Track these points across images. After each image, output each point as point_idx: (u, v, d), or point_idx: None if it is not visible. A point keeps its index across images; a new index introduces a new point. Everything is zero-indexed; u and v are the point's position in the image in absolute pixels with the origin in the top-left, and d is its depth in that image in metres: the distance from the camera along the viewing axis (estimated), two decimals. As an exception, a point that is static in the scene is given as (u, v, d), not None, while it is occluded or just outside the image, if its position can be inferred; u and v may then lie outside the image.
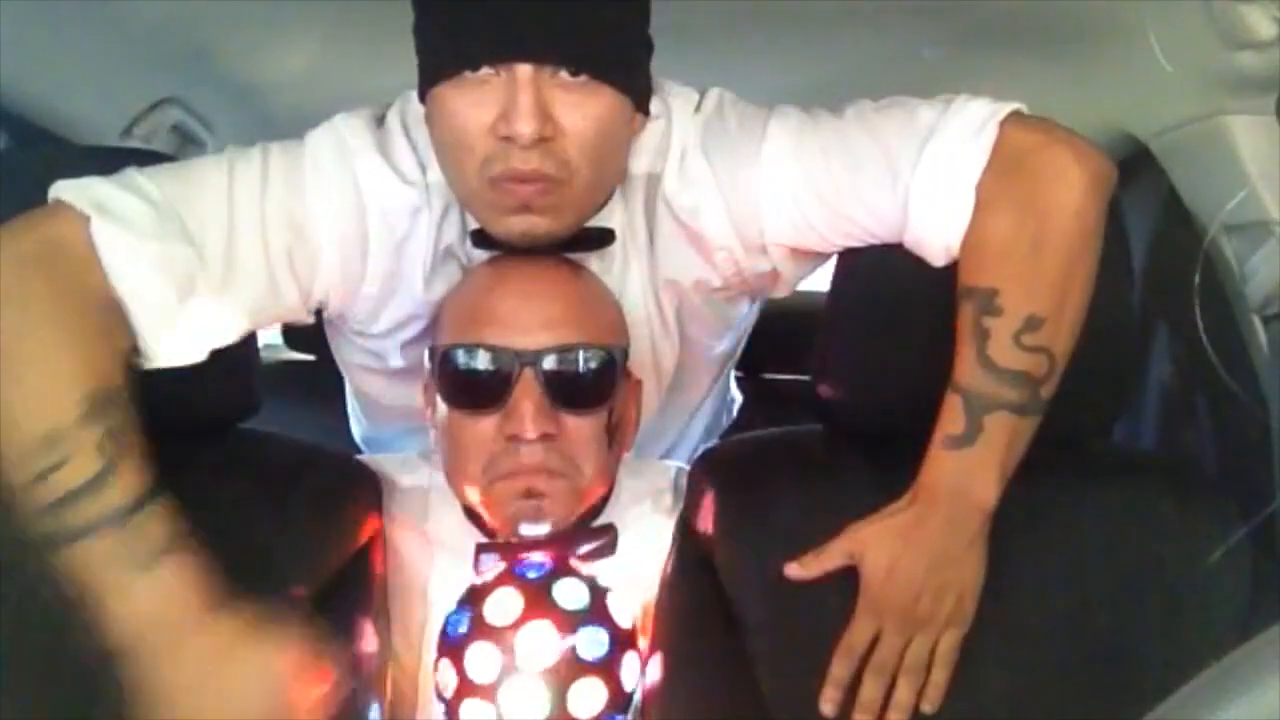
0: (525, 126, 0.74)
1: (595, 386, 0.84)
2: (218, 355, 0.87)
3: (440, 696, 0.82)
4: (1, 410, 0.70)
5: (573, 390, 0.82)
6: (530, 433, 0.80)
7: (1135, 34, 0.98)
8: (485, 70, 0.76)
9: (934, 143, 0.79)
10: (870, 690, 0.78)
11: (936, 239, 0.80)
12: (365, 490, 0.91)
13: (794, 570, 0.80)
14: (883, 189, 0.81)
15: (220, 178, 0.81)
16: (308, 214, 0.82)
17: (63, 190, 0.77)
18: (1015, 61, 1.19)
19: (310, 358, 1.89)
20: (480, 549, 0.89)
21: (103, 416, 0.71)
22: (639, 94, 0.82)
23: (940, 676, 0.78)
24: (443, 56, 0.78)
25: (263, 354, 0.91)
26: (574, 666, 0.79)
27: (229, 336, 0.81)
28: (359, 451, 1.26)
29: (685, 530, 0.90)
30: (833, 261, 0.90)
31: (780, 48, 1.24)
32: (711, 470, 0.90)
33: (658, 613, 0.88)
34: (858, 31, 1.20)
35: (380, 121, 0.88)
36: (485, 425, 0.83)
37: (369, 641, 0.86)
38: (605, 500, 0.93)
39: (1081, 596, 0.82)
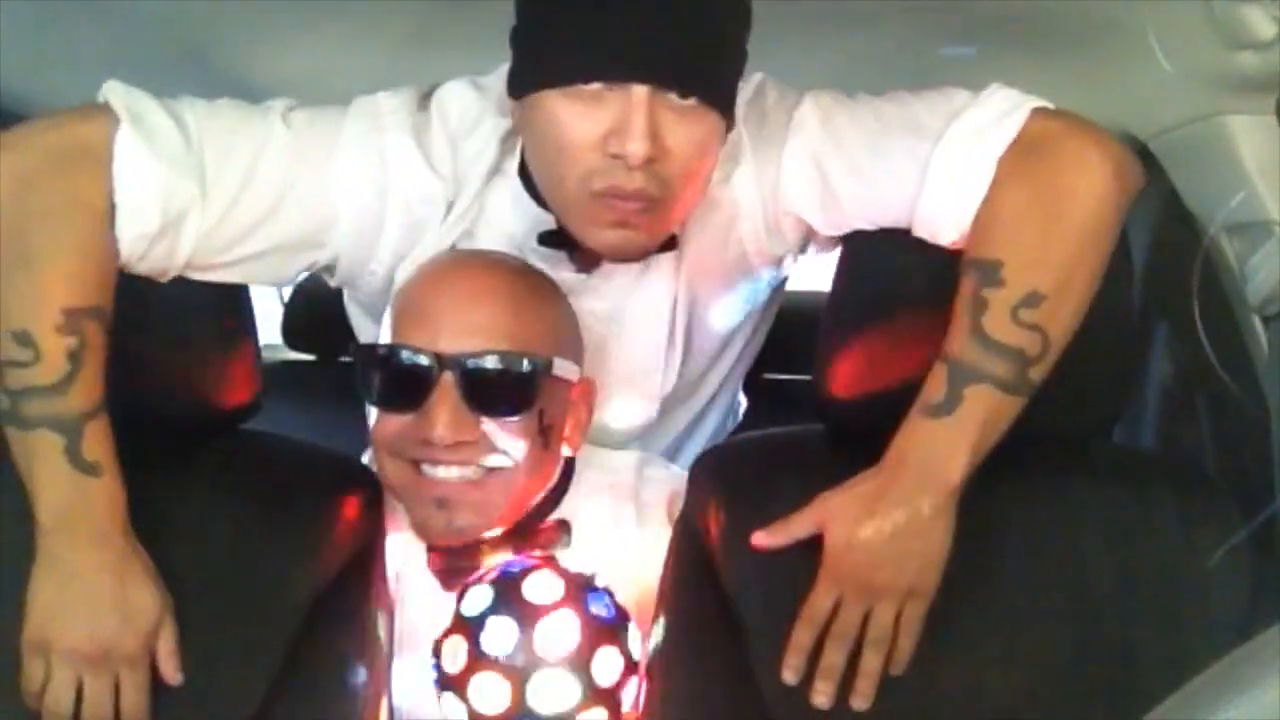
0: (638, 148, 0.75)
1: (516, 392, 0.84)
2: (218, 356, 0.87)
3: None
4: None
5: (492, 395, 0.82)
6: (444, 437, 0.81)
7: (1135, 34, 0.98)
8: (598, 85, 0.76)
9: (962, 119, 0.80)
10: (831, 656, 0.78)
11: (949, 212, 0.80)
12: (365, 490, 0.91)
13: (760, 539, 0.80)
14: (904, 149, 0.82)
15: (258, 130, 0.83)
16: (332, 182, 0.84)
17: (112, 91, 0.80)
18: (1015, 61, 1.19)
19: (310, 358, 1.89)
20: (432, 550, 0.90)
21: (77, 330, 0.75)
22: (733, 112, 0.83)
23: (906, 643, 0.77)
24: (558, 64, 0.78)
25: (263, 354, 0.92)
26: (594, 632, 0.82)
27: (202, 275, 0.84)
28: (360, 451, 1.26)
29: (686, 530, 0.90)
30: (833, 261, 0.90)
31: (781, 48, 1.24)
32: (713, 470, 0.90)
33: (658, 612, 0.88)
34: (856, 31, 1.20)
35: (424, 105, 0.88)
36: (405, 424, 0.83)
37: (369, 641, 0.86)
38: (560, 494, 0.93)
39: (1081, 596, 0.82)
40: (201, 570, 0.81)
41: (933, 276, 0.81)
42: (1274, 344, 1.01)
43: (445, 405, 0.81)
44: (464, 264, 0.86)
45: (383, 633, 0.89)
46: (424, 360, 0.81)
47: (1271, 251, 0.97)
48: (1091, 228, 0.77)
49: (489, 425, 0.83)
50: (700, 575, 0.85)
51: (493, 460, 0.84)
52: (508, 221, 0.91)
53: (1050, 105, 0.81)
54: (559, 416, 0.88)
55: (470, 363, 0.81)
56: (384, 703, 0.88)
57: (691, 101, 0.77)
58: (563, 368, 0.87)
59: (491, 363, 0.82)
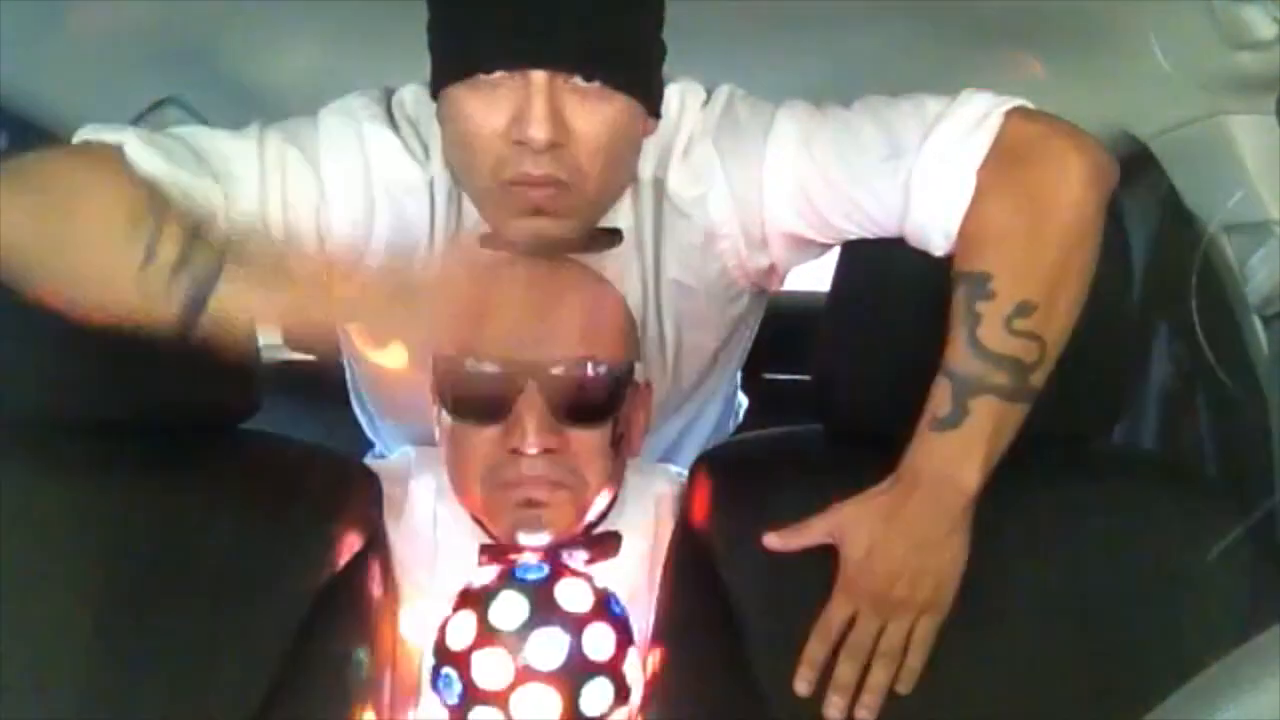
0: (538, 132, 0.75)
1: (601, 400, 0.83)
2: (218, 356, 0.86)
3: (443, 703, 0.82)
4: (84, 236, 0.73)
5: (578, 404, 0.81)
6: (532, 447, 0.79)
7: (1135, 34, 0.98)
8: (499, 73, 0.76)
9: (938, 130, 0.79)
10: (845, 671, 0.78)
11: (936, 225, 0.80)
12: (365, 490, 0.91)
13: (772, 540, 0.80)
14: (884, 172, 0.81)
15: (247, 146, 0.83)
16: (322, 185, 0.84)
17: (93, 130, 0.80)
18: (1016, 61, 1.19)
19: (310, 358, 1.89)
20: (484, 550, 0.89)
21: (163, 202, 0.74)
22: (651, 99, 0.82)
23: (915, 661, 0.78)
24: (457, 58, 0.78)
25: (263, 354, 0.92)
26: (585, 666, 0.78)
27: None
28: (360, 451, 1.26)
29: (685, 530, 0.89)
30: (833, 261, 0.90)
31: (782, 48, 1.25)
32: (712, 470, 0.90)
33: (658, 612, 0.88)
34: (858, 31, 1.20)
35: (386, 103, 0.88)
36: (488, 435, 0.82)
37: (370, 641, 0.85)
38: (610, 505, 0.92)
39: (1081, 596, 0.82)
40: (201, 570, 0.81)
41: (931, 275, 0.81)
42: (1274, 344, 1.01)
43: (532, 414, 0.79)
44: (530, 269, 0.84)
45: (380, 633, 0.89)
46: (509, 371, 0.80)
47: (1271, 251, 0.97)
48: (1076, 232, 0.77)
49: (573, 433, 0.81)
50: (700, 575, 0.85)
51: (575, 466, 0.82)
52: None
53: (1027, 104, 0.81)
54: (630, 421, 0.87)
55: (555, 371, 0.80)
56: (382, 702, 0.87)
57: (596, 85, 0.76)
58: (638, 372, 0.87)
59: (577, 371, 0.81)
